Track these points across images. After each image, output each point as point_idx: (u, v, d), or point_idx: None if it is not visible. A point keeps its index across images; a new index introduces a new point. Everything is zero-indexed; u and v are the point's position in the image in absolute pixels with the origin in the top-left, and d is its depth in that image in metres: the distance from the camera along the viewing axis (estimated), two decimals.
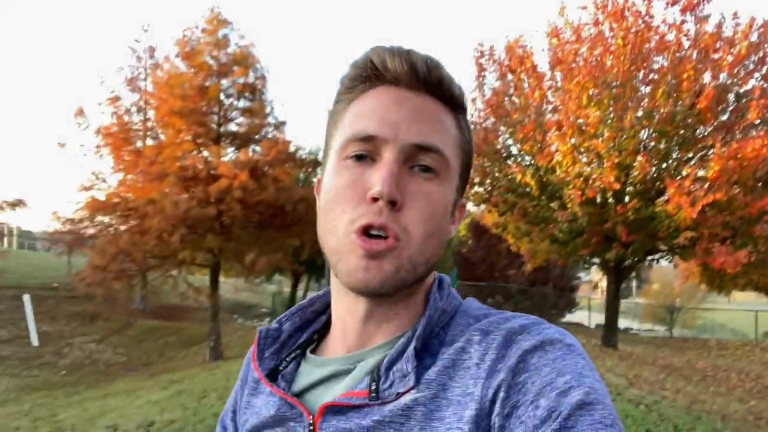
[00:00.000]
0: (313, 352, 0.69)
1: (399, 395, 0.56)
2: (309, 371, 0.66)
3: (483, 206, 13.47)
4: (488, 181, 12.48)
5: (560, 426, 0.48)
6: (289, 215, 11.78)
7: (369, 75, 0.61)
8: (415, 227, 0.58)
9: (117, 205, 11.15)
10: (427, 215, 0.59)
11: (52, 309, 15.14)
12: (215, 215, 10.76)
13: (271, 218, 11.80)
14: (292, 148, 12.78)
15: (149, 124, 12.83)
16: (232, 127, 12.64)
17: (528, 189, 11.55)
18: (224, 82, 12.00)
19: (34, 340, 12.38)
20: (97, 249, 10.64)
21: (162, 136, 12.13)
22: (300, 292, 22.74)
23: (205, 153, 11.81)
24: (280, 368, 0.67)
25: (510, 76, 11.79)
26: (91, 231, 11.74)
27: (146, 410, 6.79)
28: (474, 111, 12.53)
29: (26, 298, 12.39)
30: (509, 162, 12.15)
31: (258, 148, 12.30)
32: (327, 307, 0.72)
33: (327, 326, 0.71)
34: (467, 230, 20.57)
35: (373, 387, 0.58)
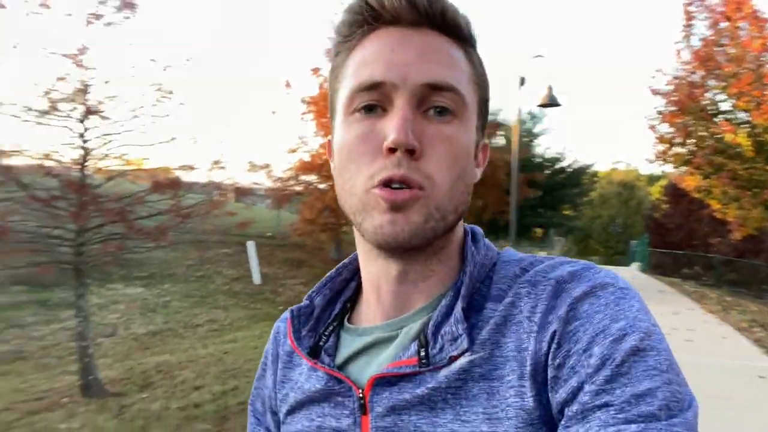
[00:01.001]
0: (350, 321, 0.66)
1: (452, 359, 0.54)
2: (350, 341, 0.63)
3: (683, 168, 12.39)
4: (691, 140, 11.44)
5: (612, 373, 0.46)
6: None
7: (366, 18, 0.57)
8: (439, 174, 0.54)
9: (321, 166, 12.61)
10: (449, 160, 0.55)
11: (268, 255, 17.68)
12: None
13: None
14: None
15: None
16: None
17: (739, 150, 10.37)
18: None
19: (257, 279, 14.72)
20: (307, 204, 12.26)
21: None
22: None
23: None
24: (321, 343, 0.64)
25: (724, 24, 10.52)
26: (297, 188, 13.48)
27: None
28: (678, 64, 11.48)
29: (250, 244, 14.73)
30: (717, 120, 10.97)
31: None
32: (355, 273, 0.68)
33: (358, 293, 0.68)
34: (663, 193, 18.95)
35: (423, 353, 0.55)
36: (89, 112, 6.17)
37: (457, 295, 0.57)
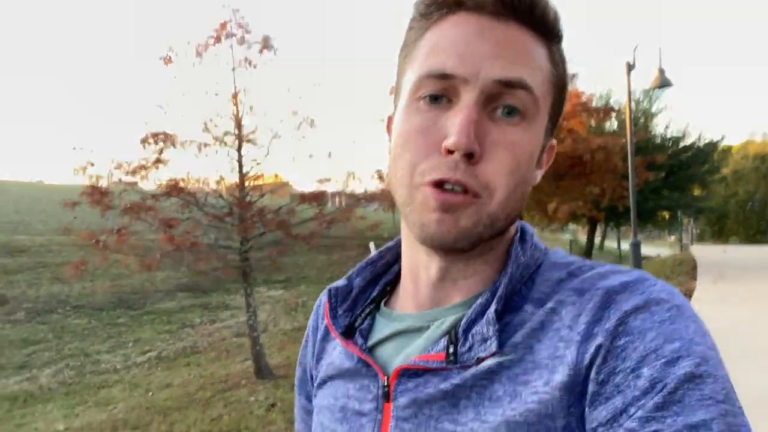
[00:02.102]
0: (386, 304, 0.66)
1: (480, 360, 0.52)
2: (383, 325, 0.63)
3: None
4: None
5: (664, 400, 0.43)
6: (588, 164, 12.23)
7: (448, 0, 0.54)
8: (497, 182, 0.52)
9: None
10: (510, 168, 0.52)
11: None
12: None
13: (569, 168, 12.43)
14: (584, 99, 13.04)
15: None
16: None
17: None
18: None
19: None
20: None
21: None
22: (597, 239, 22.55)
23: None
24: (356, 324, 0.64)
25: None
26: None
27: None
28: None
29: (372, 245, 15.82)
30: None
31: None
32: (398, 257, 0.67)
33: (398, 277, 0.67)
34: None
35: (451, 350, 0.54)
36: (243, 140, 7.40)
37: (494, 296, 0.55)
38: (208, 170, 7.55)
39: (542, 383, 0.49)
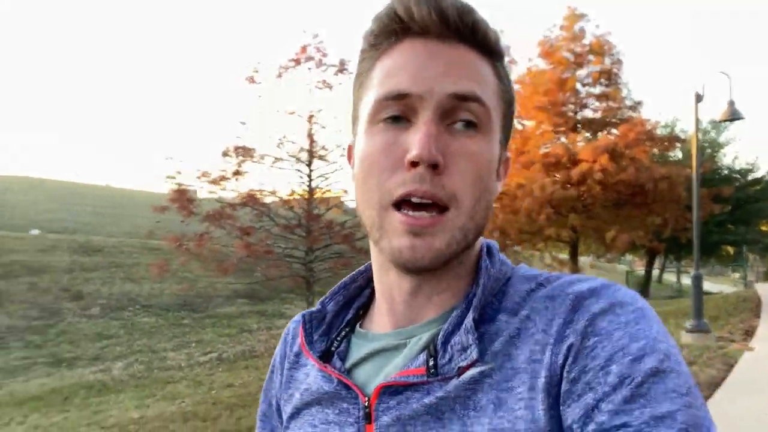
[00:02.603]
0: (361, 326, 0.66)
1: (461, 370, 0.53)
2: (359, 346, 0.63)
3: None
4: None
5: (632, 393, 0.46)
6: (650, 193, 12.07)
7: (395, 28, 0.56)
8: (463, 191, 0.54)
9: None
10: (473, 177, 0.54)
11: None
12: (577, 196, 11.98)
13: (630, 197, 12.32)
14: (648, 127, 12.92)
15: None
16: (588, 113, 13.55)
17: None
18: (580, 73, 13.00)
19: None
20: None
21: (523, 128, 13.86)
22: (655, 272, 21.89)
23: (563, 140, 13.09)
24: (333, 348, 0.63)
25: None
26: None
27: None
28: None
29: None
30: None
31: (615, 131, 12.93)
32: (370, 281, 0.67)
33: (371, 299, 0.68)
34: None
35: (431, 363, 0.54)
36: (314, 157, 7.86)
37: (469, 306, 0.56)
38: (279, 183, 8.05)
39: (526, 389, 0.51)
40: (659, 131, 13.50)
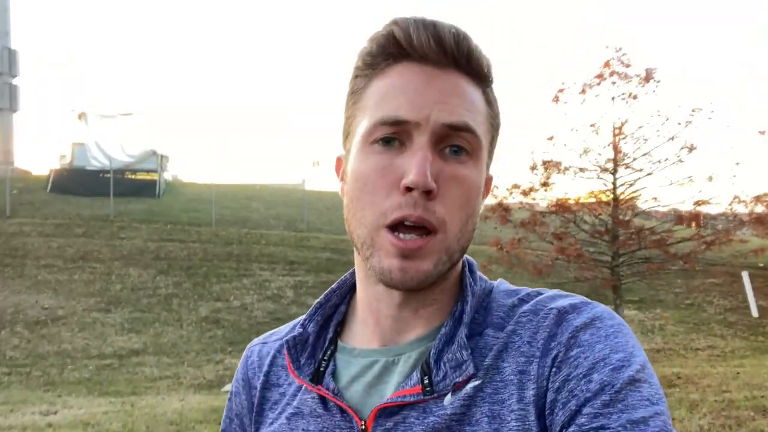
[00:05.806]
0: (341, 340, 0.66)
1: (457, 385, 0.55)
2: (347, 363, 0.63)
3: None
4: None
5: (611, 398, 0.49)
6: None
7: (392, 52, 0.58)
8: (452, 217, 0.56)
9: None
10: (461, 202, 0.57)
11: (762, 286, 16.34)
12: None
13: None
14: None
15: None
16: None
17: None
18: None
19: (755, 312, 13.97)
20: None
21: None
22: None
23: None
24: (321, 369, 0.63)
25: None
26: None
27: None
28: None
29: (745, 274, 14.17)
30: None
31: None
32: (344, 298, 0.69)
33: (346, 314, 0.69)
34: None
35: (426, 381, 0.56)
36: (619, 165, 8.17)
37: (458, 323, 0.58)
38: (583, 191, 8.59)
39: (515, 400, 0.53)
40: None
